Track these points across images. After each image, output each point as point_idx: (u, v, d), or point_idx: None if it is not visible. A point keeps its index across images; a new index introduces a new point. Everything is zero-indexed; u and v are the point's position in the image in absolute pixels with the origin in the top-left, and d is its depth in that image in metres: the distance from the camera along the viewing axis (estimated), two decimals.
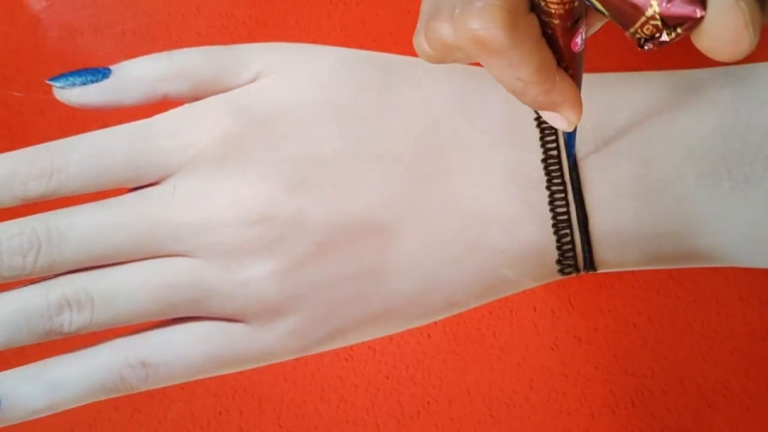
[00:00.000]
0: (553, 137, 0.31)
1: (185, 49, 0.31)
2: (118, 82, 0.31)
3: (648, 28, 0.23)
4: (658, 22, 0.22)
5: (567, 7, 0.24)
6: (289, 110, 0.31)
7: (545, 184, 0.31)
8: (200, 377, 0.30)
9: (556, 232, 0.31)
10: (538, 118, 0.31)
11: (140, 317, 0.30)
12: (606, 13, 0.23)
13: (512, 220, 0.31)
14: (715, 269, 0.42)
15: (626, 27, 0.23)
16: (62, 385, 0.29)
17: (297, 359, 0.31)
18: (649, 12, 0.22)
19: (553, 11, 0.25)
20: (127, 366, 0.29)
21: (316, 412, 0.42)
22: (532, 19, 0.25)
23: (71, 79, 0.31)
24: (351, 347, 0.43)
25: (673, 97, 0.31)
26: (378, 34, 0.45)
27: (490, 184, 0.31)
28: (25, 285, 0.30)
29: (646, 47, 0.23)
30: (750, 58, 0.32)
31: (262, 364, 0.31)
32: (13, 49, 0.46)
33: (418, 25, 0.28)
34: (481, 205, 0.31)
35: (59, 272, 0.30)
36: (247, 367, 0.31)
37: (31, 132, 0.45)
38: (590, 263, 0.31)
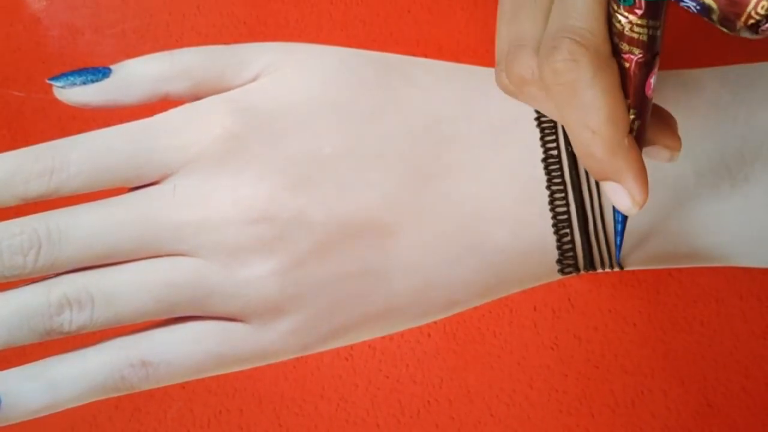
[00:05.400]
0: (554, 137, 0.31)
1: (186, 49, 0.31)
2: (118, 82, 0.31)
3: (763, 6, 0.22)
4: None
5: (650, 33, 0.24)
6: (290, 109, 0.31)
7: (545, 183, 0.31)
8: (201, 376, 0.30)
9: (556, 232, 0.31)
10: (539, 118, 0.31)
11: (141, 316, 0.30)
12: (714, 6, 0.22)
13: (512, 219, 0.31)
14: (715, 269, 0.42)
15: (738, 16, 0.22)
16: (63, 384, 0.29)
17: (297, 358, 0.31)
18: None
19: (636, 37, 0.24)
20: (127, 365, 0.29)
21: (316, 411, 0.42)
22: (614, 63, 0.25)
23: (72, 78, 0.31)
24: (351, 346, 0.43)
25: (672, 96, 0.31)
26: (378, 34, 0.45)
27: (491, 184, 0.31)
28: (26, 284, 0.30)
29: (761, 30, 0.22)
30: (750, 58, 0.33)
31: (263, 363, 0.31)
32: (13, 48, 0.46)
33: (498, 58, 0.28)
34: (481, 204, 0.31)
35: (60, 271, 0.30)
36: (248, 366, 0.31)
37: (31, 131, 0.45)
38: (590, 263, 0.31)
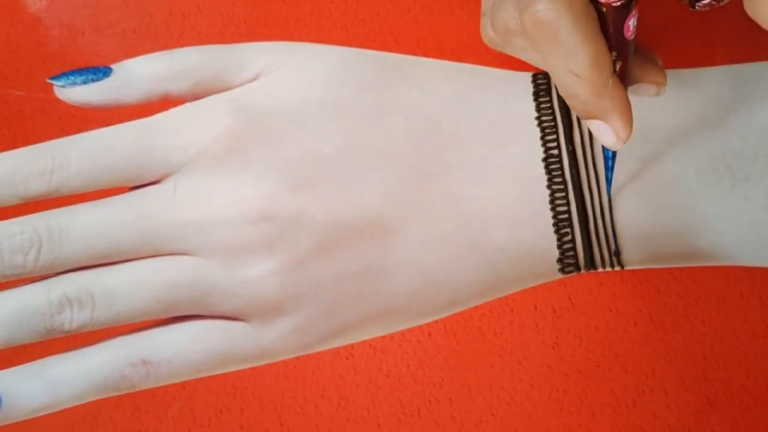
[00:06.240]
0: (554, 136, 0.31)
1: (186, 48, 0.31)
2: (119, 81, 0.31)
3: None
4: None
5: None
6: (290, 109, 0.31)
7: (546, 183, 0.31)
8: (201, 375, 0.30)
9: (556, 231, 0.31)
10: (539, 117, 0.31)
11: (141, 315, 0.30)
12: None
13: (513, 218, 0.31)
14: (716, 268, 0.42)
15: None
16: (63, 383, 0.29)
17: (298, 358, 0.31)
18: None
19: None
20: (128, 364, 0.29)
21: (317, 410, 0.42)
22: (592, 9, 0.26)
23: (72, 78, 0.31)
24: (352, 346, 0.43)
25: (673, 95, 0.31)
26: (379, 34, 0.45)
27: (491, 183, 0.31)
28: (26, 283, 0.30)
29: (698, 6, 0.23)
30: (750, 57, 0.33)
31: (263, 363, 0.31)
32: (14, 48, 0.46)
33: (483, 10, 0.29)
34: (481, 203, 0.31)
35: (60, 271, 0.30)
36: (248, 366, 0.31)
37: (32, 131, 0.45)
38: (591, 262, 0.31)
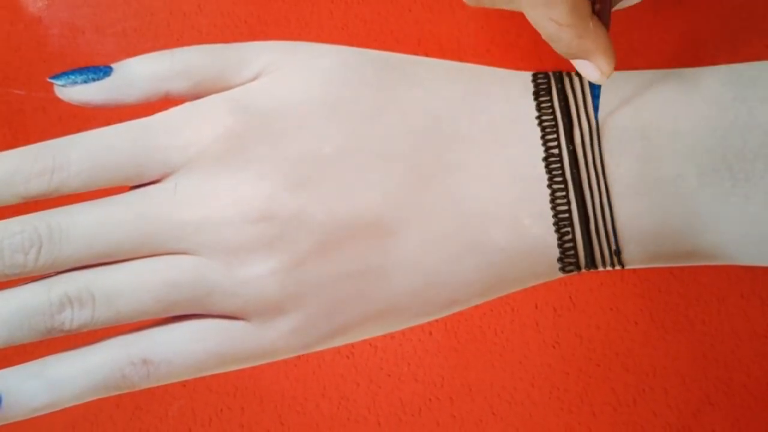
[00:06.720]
0: (554, 135, 0.31)
1: (187, 48, 0.31)
2: (119, 80, 0.31)
3: None
4: None
5: None
6: (291, 109, 0.31)
7: (546, 182, 0.31)
8: (202, 375, 0.30)
9: (557, 230, 0.31)
10: (539, 117, 0.31)
11: (141, 315, 0.30)
12: None
13: (513, 218, 0.31)
14: (717, 267, 0.42)
15: None
16: (63, 383, 0.29)
17: (298, 357, 0.31)
18: None
19: None
20: (128, 363, 0.29)
21: (318, 409, 0.42)
22: None
23: (72, 77, 0.31)
24: (352, 345, 0.43)
25: (673, 95, 0.31)
26: (379, 33, 0.45)
27: (491, 182, 0.31)
28: (27, 283, 0.30)
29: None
30: (750, 56, 0.33)
31: (263, 362, 0.31)
32: (14, 47, 0.46)
33: None
34: (482, 203, 0.31)
35: (60, 270, 0.30)
36: (249, 365, 0.31)
37: (32, 130, 0.45)
38: (591, 261, 0.31)
